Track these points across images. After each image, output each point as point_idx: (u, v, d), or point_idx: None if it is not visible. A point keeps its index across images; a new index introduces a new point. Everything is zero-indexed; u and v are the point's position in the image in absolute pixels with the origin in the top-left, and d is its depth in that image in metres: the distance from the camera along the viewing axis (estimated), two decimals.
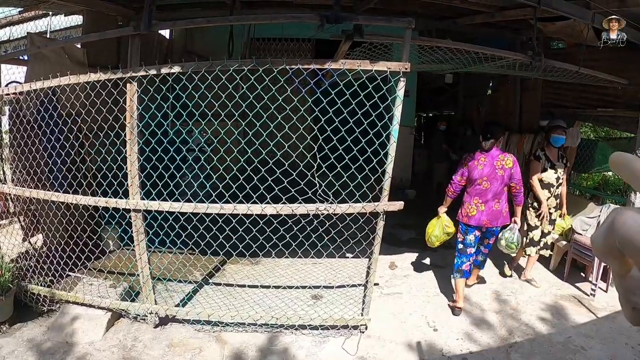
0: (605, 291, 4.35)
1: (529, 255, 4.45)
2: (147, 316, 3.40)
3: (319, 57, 7.39)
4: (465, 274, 3.77)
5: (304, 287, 4.05)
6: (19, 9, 5.01)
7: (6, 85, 3.93)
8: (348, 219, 3.23)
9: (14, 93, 3.58)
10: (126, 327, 3.38)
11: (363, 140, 2.99)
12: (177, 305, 3.54)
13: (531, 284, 4.48)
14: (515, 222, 3.78)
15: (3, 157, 4.22)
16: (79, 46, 4.70)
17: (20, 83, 3.90)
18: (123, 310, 3.45)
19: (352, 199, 3.14)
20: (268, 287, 4.04)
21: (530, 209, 4.37)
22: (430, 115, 14.53)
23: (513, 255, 4.39)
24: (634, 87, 4.58)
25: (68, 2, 4.34)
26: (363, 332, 3.38)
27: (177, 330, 3.36)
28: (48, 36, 6.39)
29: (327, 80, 2.93)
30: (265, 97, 3.02)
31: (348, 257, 4.05)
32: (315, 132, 3.15)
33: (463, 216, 3.75)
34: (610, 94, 5.02)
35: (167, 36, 6.65)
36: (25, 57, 4.31)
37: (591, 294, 4.23)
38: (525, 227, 4.36)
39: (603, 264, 4.26)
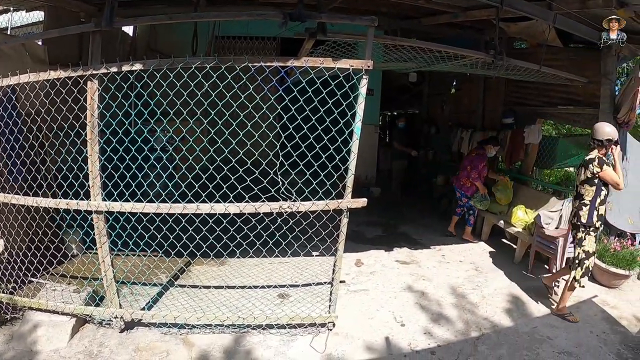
0: None
1: (576, 282, 3.70)
2: (112, 321, 3.32)
3: (284, 55, 7.32)
4: (457, 214, 6.04)
5: (270, 287, 4.03)
6: None
7: None
8: (312, 216, 3.24)
9: None
10: (92, 332, 3.30)
11: (326, 138, 3.00)
12: (143, 309, 3.47)
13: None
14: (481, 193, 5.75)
15: None
16: (40, 43, 4.56)
17: None
18: (88, 315, 3.36)
19: (316, 196, 3.15)
20: (234, 287, 4.01)
21: (591, 231, 3.64)
22: (395, 113, 14.63)
23: (481, 209, 5.79)
24: (593, 86, 4.76)
25: None
26: (331, 330, 3.39)
27: (144, 334, 3.29)
28: (9, 33, 6.16)
29: (289, 78, 2.93)
30: (228, 95, 2.99)
31: (313, 255, 4.05)
32: (278, 130, 3.16)
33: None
34: (571, 92, 5.20)
35: (131, 34, 6.52)
36: None
37: (555, 285, 4.36)
38: (583, 255, 3.64)
39: (566, 256, 4.41)
